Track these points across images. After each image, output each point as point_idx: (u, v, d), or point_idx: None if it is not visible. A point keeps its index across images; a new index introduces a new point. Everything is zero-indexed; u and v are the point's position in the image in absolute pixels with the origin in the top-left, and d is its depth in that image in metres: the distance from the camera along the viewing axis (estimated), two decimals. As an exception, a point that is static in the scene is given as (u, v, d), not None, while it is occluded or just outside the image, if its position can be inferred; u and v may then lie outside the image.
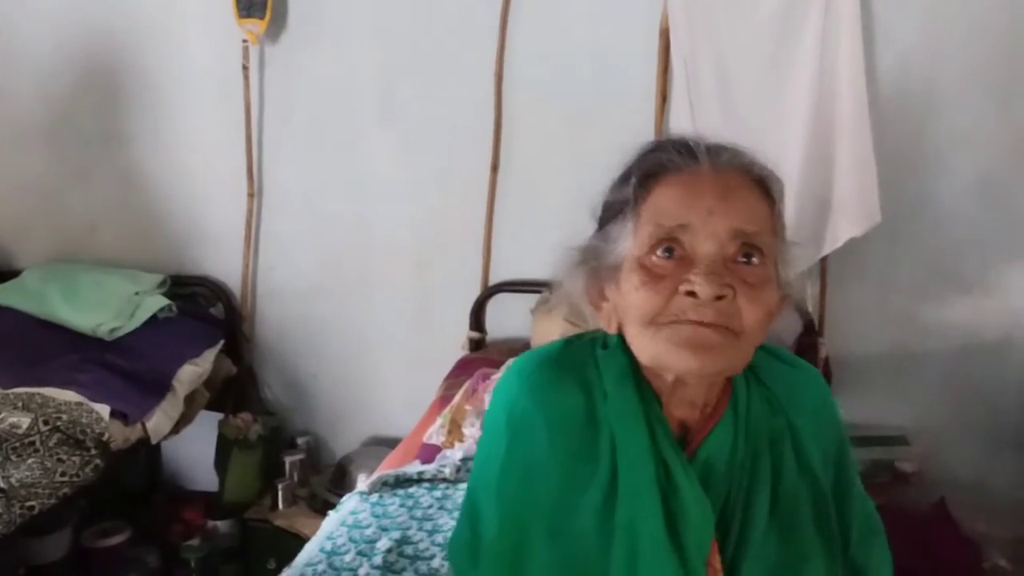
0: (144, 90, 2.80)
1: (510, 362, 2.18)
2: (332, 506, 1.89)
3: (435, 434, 2.08)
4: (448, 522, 1.68)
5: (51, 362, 2.35)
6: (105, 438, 2.17)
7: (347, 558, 1.57)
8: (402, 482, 1.85)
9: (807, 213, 2.21)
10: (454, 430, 2.05)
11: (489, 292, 2.65)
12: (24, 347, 2.44)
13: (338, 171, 2.72)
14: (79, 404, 2.19)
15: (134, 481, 2.83)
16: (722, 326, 0.90)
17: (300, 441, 2.81)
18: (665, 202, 0.94)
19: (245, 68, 2.66)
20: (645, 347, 0.94)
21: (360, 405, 2.84)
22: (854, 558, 1.05)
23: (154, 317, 2.59)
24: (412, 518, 1.71)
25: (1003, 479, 2.39)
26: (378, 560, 1.55)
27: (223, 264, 2.84)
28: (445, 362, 2.50)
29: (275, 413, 2.87)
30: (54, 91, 2.86)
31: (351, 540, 1.63)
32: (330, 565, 1.55)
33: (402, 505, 1.76)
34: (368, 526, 1.68)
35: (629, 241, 0.95)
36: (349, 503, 1.79)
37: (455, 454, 1.95)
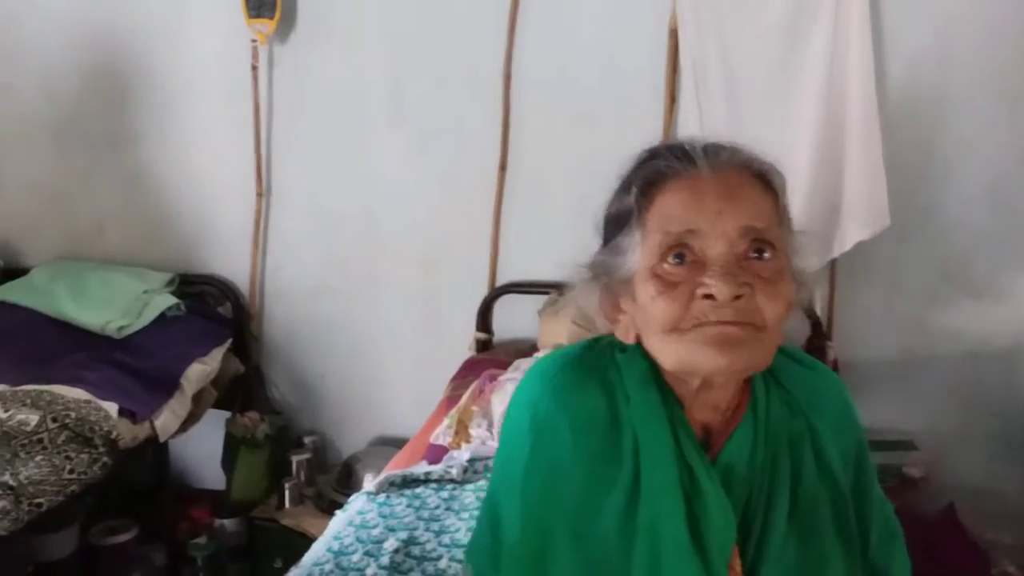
0: (152, 90, 2.81)
1: (518, 363, 2.21)
2: (339, 505, 1.89)
3: (442, 435, 2.08)
4: (455, 523, 1.69)
5: (60, 360, 2.36)
6: (113, 436, 2.18)
7: (354, 558, 1.57)
8: (409, 482, 1.85)
9: (816, 216, 2.20)
10: (461, 431, 2.05)
11: (496, 293, 2.65)
12: (33, 345, 2.45)
13: (346, 171, 2.72)
14: (87, 402, 2.20)
15: (142, 479, 2.84)
16: (745, 323, 0.90)
17: (307, 440, 2.81)
18: (670, 209, 0.94)
19: (254, 68, 2.66)
20: (670, 353, 0.94)
21: (367, 405, 2.85)
22: (874, 561, 1.05)
23: (162, 315, 2.60)
24: (419, 519, 1.71)
25: (1012, 485, 2.37)
26: (385, 560, 1.55)
27: (231, 263, 2.85)
28: (452, 362, 2.50)
29: (282, 412, 2.87)
30: (62, 91, 2.87)
31: (358, 540, 1.63)
32: (337, 565, 1.55)
33: (409, 505, 1.76)
34: (375, 526, 1.68)
35: (638, 252, 0.95)
36: (356, 503, 1.79)
37: (462, 455, 1.95)
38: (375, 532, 1.66)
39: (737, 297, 0.90)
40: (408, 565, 1.56)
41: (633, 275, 0.96)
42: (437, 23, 2.58)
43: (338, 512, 1.79)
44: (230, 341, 2.69)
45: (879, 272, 2.39)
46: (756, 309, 0.91)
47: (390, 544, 1.60)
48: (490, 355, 2.54)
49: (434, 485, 1.85)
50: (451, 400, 2.22)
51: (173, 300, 2.63)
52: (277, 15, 2.58)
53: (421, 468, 1.91)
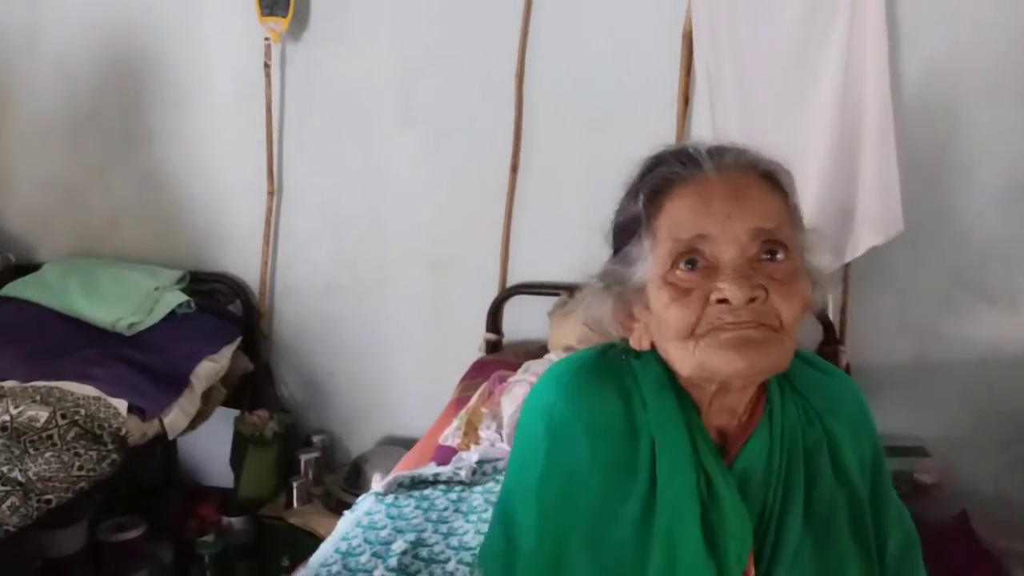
0: (166, 88, 2.82)
1: (527, 365, 2.21)
2: (346, 505, 1.89)
3: (451, 436, 2.08)
4: (463, 525, 1.68)
5: (70, 356, 2.36)
6: (122, 433, 2.18)
7: (362, 559, 1.56)
8: (417, 483, 1.85)
9: (829, 220, 2.18)
10: (470, 432, 2.05)
11: (506, 294, 2.64)
12: (43, 341, 2.46)
13: (358, 170, 2.72)
14: (97, 398, 2.20)
15: (150, 476, 2.84)
16: (763, 324, 0.89)
17: (315, 439, 2.81)
18: (679, 215, 0.93)
19: (267, 66, 2.67)
20: (687, 359, 0.93)
21: (376, 404, 2.84)
22: (895, 570, 1.04)
23: (173, 313, 2.60)
24: (427, 520, 1.70)
25: (1025, 493, 2.36)
26: (393, 562, 1.54)
27: (242, 261, 2.86)
28: (461, 363, 2.50)
29: (291, 411, 2.87)
30: (77, 89, 2.88)
31: (366, 541, 1.63)
32: (345, 566, 1.55)
33: (417, 507, 1.76)
34: (383, 527, 1.68)
35: (649, 260, 0.94)
36: (364, 504, 1.79)
37: (471, 456, 1.94)
38: (383, 533, 1.66)
39: (752, 300, 0.89)
40: (416, 567, 1.55)
41: (645, 283, 0.95)
42: (450, 23, 2.58)
43: (346, 512, 1.78)
44: (240, 339, 2.70)
45: (892, 277, 2.38)
46: (772, 311, 0.90)
47: (398, 546, 1.59)
48: (500, 356, 2.53)
49: (443, 487, 1.84)
50: (460, 401, 2.21)
51: (184, 297, 2.64)
52: (290, 13, 2.59)
53: (430, 469, 1.91)
